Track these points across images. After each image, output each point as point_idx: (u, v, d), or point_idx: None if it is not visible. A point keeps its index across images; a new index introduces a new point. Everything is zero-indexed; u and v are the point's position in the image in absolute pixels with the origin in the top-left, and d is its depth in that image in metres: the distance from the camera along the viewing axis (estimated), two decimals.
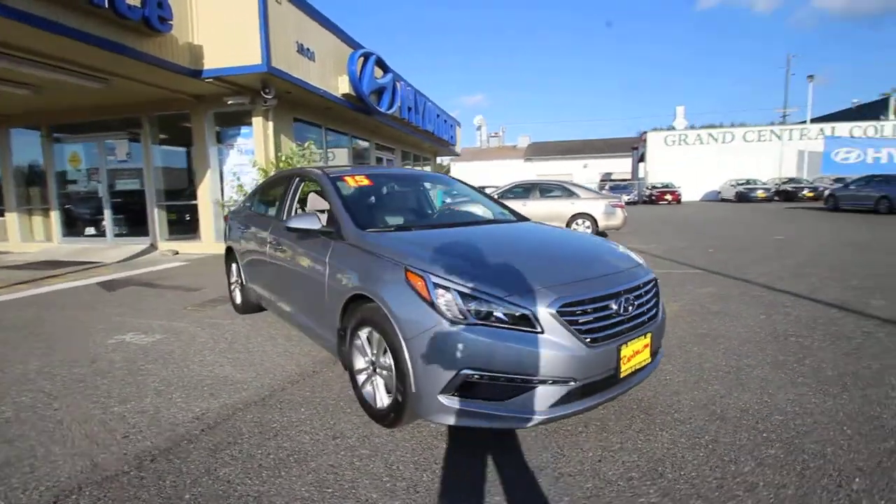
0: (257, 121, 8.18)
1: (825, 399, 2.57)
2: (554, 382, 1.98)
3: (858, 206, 16.34)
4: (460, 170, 40.43)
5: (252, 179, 8.11)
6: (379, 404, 2.41)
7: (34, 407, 2.74)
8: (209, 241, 8.92)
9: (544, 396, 1.99)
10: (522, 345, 1.96)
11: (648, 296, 2.40)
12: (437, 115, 15.51)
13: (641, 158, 33.67)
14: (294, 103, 8.73)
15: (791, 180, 26.21)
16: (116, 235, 9.59)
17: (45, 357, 3.56)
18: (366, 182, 3.43)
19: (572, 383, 2.00)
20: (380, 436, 2.34)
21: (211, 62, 6.94)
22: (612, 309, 2.15)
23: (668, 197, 26.57)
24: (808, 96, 31.66)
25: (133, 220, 9.47)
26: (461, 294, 2.05)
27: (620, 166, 41.84)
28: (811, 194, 23.77)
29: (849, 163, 25.58)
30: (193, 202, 8.97)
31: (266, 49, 6.70)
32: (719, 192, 28.92)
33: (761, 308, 4.44)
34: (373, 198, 3.51)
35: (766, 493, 1.81)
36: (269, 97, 7.49)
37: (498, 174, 38.70)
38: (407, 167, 16.37)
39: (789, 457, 2.04)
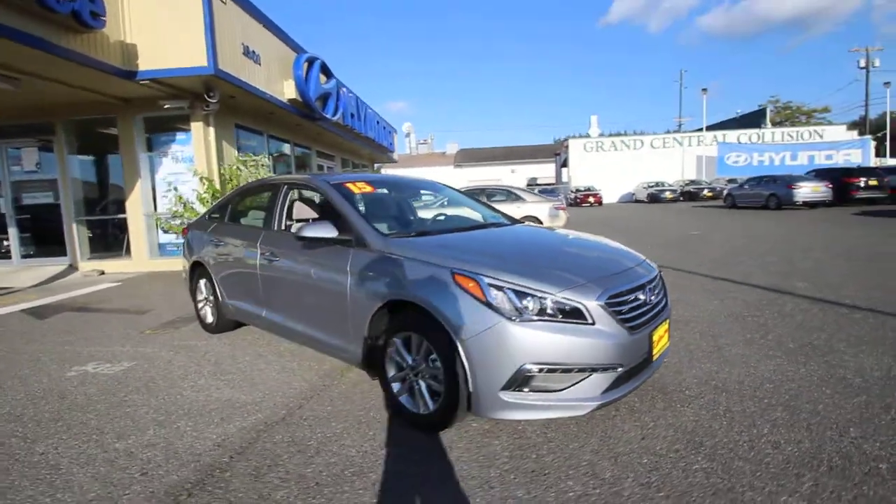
0: (197, 126, 7.61)
1: (798, 367, 2.99)
2: (604, 370, 2.13)
3: (752, 204, 18.75)
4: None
5: (192, 190, 7.52)
6: (422, 410, 2.41)
7: (13, 454, 2.37)
8: (141, 259, 8.10)
9: (597, 383, 2.13)
10: (577, 336, 2.09)
11: (660, 286, 2.65)
12: (377, 122, 15.41)
13: (564, 164, 35.82)
14: (235, 108, 8.25)
15: (692, 182, 29.37)
16: (25, 256, 8.36)
17: None
18: (368, 189, 3.38)
19: (619, 369, 2.16)
20: (426, 440, 2.33)
21: (147, 63, 6.36)
22: (641, 299, 2.36)
23: (591, 199, 28.58)
24: (703, 107, 35.83)
25: (45, 237, 8.32)
26: (515, 292, 2.13)
27: (545, 171, 44.20)
28: (710, 194, 26.82)
29: (739, 165, 29.26)
30: (121, 216, 8.10)
31: (212, 50, 6.28)
32: (633, 194, 31.63)
33: (711, 294, 5.00)
34: (380, 204, 3.47)
35: (790, 448, 2.09)
36: (214, 101, 7.02)
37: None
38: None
39: (793, 417, 2.36)
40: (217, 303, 4.12)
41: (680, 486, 1.88)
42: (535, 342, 2.07)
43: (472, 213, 3.88)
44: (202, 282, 4.37)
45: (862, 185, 16.74)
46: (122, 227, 8.16)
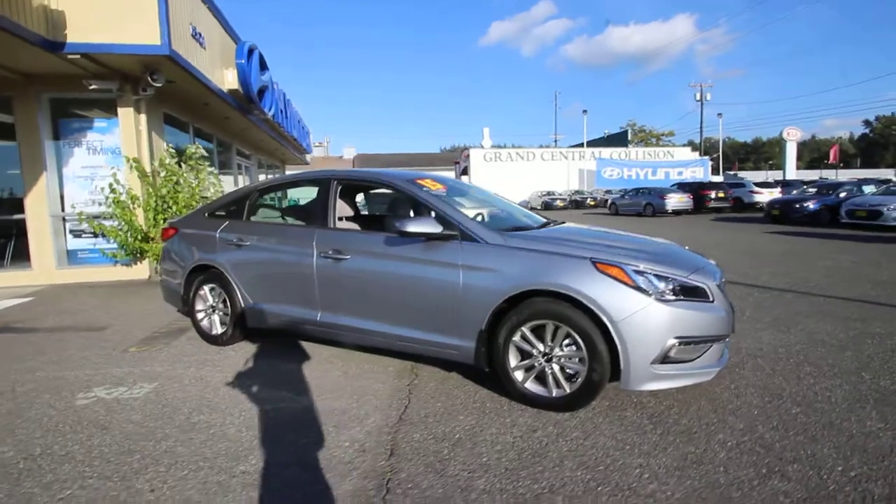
0: (126, 113, 6.53)
1: (788, 336, 3.76)
2: (720, 340, 2.52)
3: (632, 211, 21.74)
4: None
5: (121, 186, 6.42)
6: (555, 393, 2.55)
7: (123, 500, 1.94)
8: (46, 269, 6.65)
9: (715, 352, 2.51)
10: (704, 312, 2.44)
11: None
12: (298, 121, 14.59)
13: (464, 172, 37.36)
14: (167, 96, 7.26)
15: (577, 192, 32.91)
16: None
17: (10, 435, 2.43)
18: (441, 187, 3.38)
19: (727, 339, 2.57)
20: (570, 419, 2.48)
21: (79, 35, 5.31)
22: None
23: None
24: (584, 127, 40.27)
25: None
26: (656, 276, 2.42)
27: None
28: (593, 203, 30.36)
29: (613, 178, 33.58)
30: (18, 216, 6.57)
31: (167, 27, 5.50)
32: (528, 202, 34.28)
33: None
34: (462, 201, 3.46)
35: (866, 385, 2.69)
36: (157, 85, 6.12)
37: None
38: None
39: (836, 361, 3.02)
40: (235, 310, 3.69)
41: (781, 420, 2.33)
42: (677, 319, 2.37)
43: (513, 210, 4.03)
44: (206, 288, 3.87)
45: (713, 196, 20.54)
46: (20, 231, 6.61)
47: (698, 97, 41.05)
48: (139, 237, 6.39)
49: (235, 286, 3.67)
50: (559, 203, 30.82)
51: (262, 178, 15.29)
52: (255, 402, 2.82)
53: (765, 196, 20.22)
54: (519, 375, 2.65)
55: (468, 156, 36.28)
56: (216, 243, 3.81)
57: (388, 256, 3.03)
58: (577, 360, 2.49)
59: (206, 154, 7.32)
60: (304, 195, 4.05)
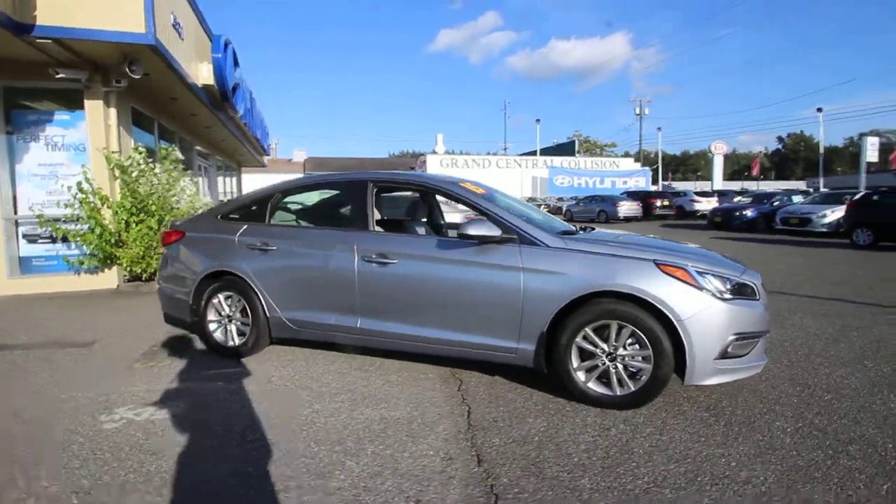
0: (94, 105, 5.97)
1: (786, 331, 4.12)
2: (764, 335, 2.73)
3: (586, 217, 22.75)
4: (249, 182, 36.23)
5: (86, 184, 5.85)
6: (619, 392, 2.64)
7: None
8: None
9: (761, 347, 2.72)
10: (754, 310, 2.64)
11: None
12: (262, 120, 13.98)
13: None
14: (134, 89, 6.72)
15: (531, 199, 33.99)
16: None
17: (42, 466, 2.14)
18: (482, 191, 3.38)
19: (768, 335, 2.79)
20: (641, 415, 2.58)
21: (50, 18, 4.80)
22: None
23: None
24: (537, 135, 41.70)
25: None
26: (715, 277, 2.58)
27: None
28: (547, 209, 31.53)
29: (564, 186, 34.96)
30: None
31: (152, 15, 5.10)
32: None
33: None
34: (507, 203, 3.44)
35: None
36: (136, 76, 5.66)
37: None
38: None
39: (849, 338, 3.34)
40: (257, 320, 3.49)
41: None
42: (735, 316, 2.55)
43: (546, 215, 4.08)
44: (221, 297, 3.63)
45: (659, 204, 21.98)
46: None
47: (638, 111, 43.91)
48: (112, 241, 5.84)
49: (259, 294, 3.47)
50: None
51: (220, 180, 14.49)
52: (309, 415, 2.68)
53: (704, 205, 21.92)
54: (581, 376, 2.72)
55: (424, 161, 36.38)
56: (235, 248, 3.59)
57: (441, 260, 3.00)
58: (640, 358, 2.60)
59: (181, 156, 6.86)
60: (308, 199, 3.91)
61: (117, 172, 6.00)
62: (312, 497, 1.94)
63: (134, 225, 5.96)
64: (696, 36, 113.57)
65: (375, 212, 3.44)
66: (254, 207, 3.78)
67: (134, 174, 6.04)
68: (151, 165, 6.19)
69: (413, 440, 2.40)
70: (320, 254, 3.35)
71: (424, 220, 4.46)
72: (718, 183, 36.62)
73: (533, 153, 41.03)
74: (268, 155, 16.95)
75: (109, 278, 6.25)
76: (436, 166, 35.57)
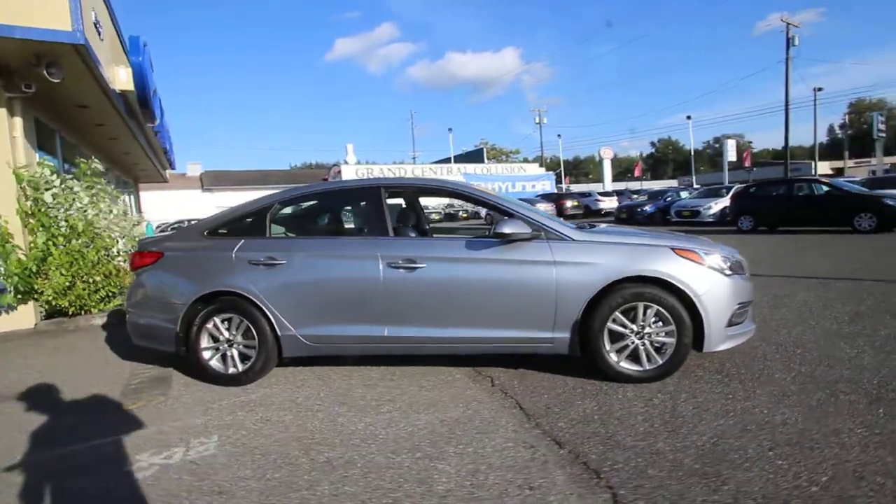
0: None
1: None
2: (751, 304, 3.21)
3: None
4: (149, 200, 32.21)
5: None
6: (647, 366, 2.94)
7: None
8: None
9: (749, 314, 3.19)
10: (745, 282, 3.11)
11: None
12: (168, 131, 12.66)
13: None
14: (37, 96, 5.81)
15: (449, 205, 34.83)
16: None
17: None
18: (492, 191, 3.51)
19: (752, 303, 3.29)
20: (670, 385, 2.88)
21: None
22: None
23: None
24: (450, 144, 43.03)
25: None
26: (720, 257, 2.99)
27: None
28: (465, 215, 32.56)
29: None
30: None
31: (79, 11, 4.47)
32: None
33: None
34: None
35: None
36: (55, 80, 4.89)
37: (180, 205, 33.20)
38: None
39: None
40: (264, 341, 3.25)
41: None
42: (737, 288, 2.98)
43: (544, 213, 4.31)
44: (217, 321, 3.32)
45: (570, 205, 23.86)
46: None
47: (537, 121, 47.30)
48: (31, 272, 4.95)
49: (268, 312, 3.24)
50: (435, 217, 32.18)
51: (124, 197, 12.83)
52: (365, 428, 2.59)
53: (606, 203, 24.31)
54: (614, 356, 2.97)
55: (339, 172, 35.48)
56: (233, 265, 3.31)
57: (472, 260, 3.08)
58: (664, 333, 2.92)
59: (102, 170, 6.05)
60: (307, 210, 3.74)
61: (29, 191, 5.11)
62: (431, 502, 1.91)
63: (54, 250, 5.12)
64: (579, 53, 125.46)
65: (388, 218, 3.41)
66: (247, 220, 3.52)
67: (51, 192, 5.19)
68: (71, 182, 5.38)
69: (485, 436, 2.45)
70: (339, 264, 3.23)
71: (413, 224, 4.47)
72: (608, 184, 40.60)
73: (447, 161, 42.11)
74: (173, 169, 15.34)
75: (24, 317, 5.27)
76: (352, 176, 34.86)
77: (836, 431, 2.25)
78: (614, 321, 2.94)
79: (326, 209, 3.72)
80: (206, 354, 3.35)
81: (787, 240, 10.21)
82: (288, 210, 3.65)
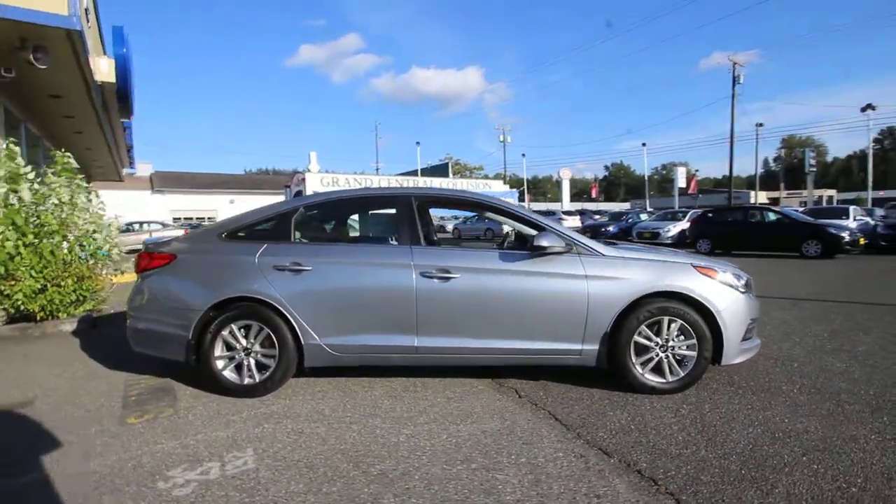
0: None
1: None
2: (757, 321, 3.45)
3: (473, 235, 24.31)
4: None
5: None
6: (670, 378, 3.08)
7: None
8: None
9: (755, 330, 3.42)
10: (755, 299, 3.34)
11: None
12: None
13: (297, 196, 35.57)
14: (14, 83, 5.40)
15: (441, 217, 34.85)
16: None
17: None
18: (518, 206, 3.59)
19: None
20: (691, 396, 3.03)
21: None
22: None
23: None
24: (417, 157, 43.20)
25: None
26: (734, 275, 3.20)
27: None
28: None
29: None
30: None
31: None
32: None
33: None
34: None
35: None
36: (42, 66, 4.55)
37: (129, 206, 31.19)
38: None
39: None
40: (286, 350, 3.13)
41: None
42: (749, 305, 3.20)
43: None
44: (234, 328, 3.18)
45: None
46: None
47: (501, 139, 48.56)
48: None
49: (292, 320, 3.13)
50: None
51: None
52: (407, 440, 2.55)
53: (569, 222, 25.15)
54: (639, 369, 3.09)
55: (303, 179, 34.46)
56: (256, 270, 3.18)
57: (506, 272, 3.13)
58: (685, 347, 3.08)
59: (76, 165, 5.64)
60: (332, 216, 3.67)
61: (2, 184, 4.68)
62: (510, 499, 1.91)
63: (23, 249, 4.70)
64: (539, 77, 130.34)
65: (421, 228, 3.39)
66: (269, 224, 3.40)
67: (27, 186, 4.78)
68: (51, 177, 4.98)
69: (532, 446, 2.47)
70: (370, 272, 3.18)
71: (425, 236, 4.47)
72: (567, 204, 42.07)
73: (413, 173, 42.23)
74: (133, 168, 14.47)
75: None
76: (316, 184, 34.16)
77: (854, 438, 2.45)
78: (640, 334, 3.07)
79: (353, 216, 3.66)
80: (220, 364, 3.19)
81: (744, 262, 10.87)
82: (313, 215, 3.56)
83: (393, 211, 3.75)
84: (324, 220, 3.68)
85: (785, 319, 5.11)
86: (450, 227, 30.46)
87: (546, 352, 3.14)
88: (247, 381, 3.19)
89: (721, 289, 3.11)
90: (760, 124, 34.41)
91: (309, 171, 42.94)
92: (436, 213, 35.80)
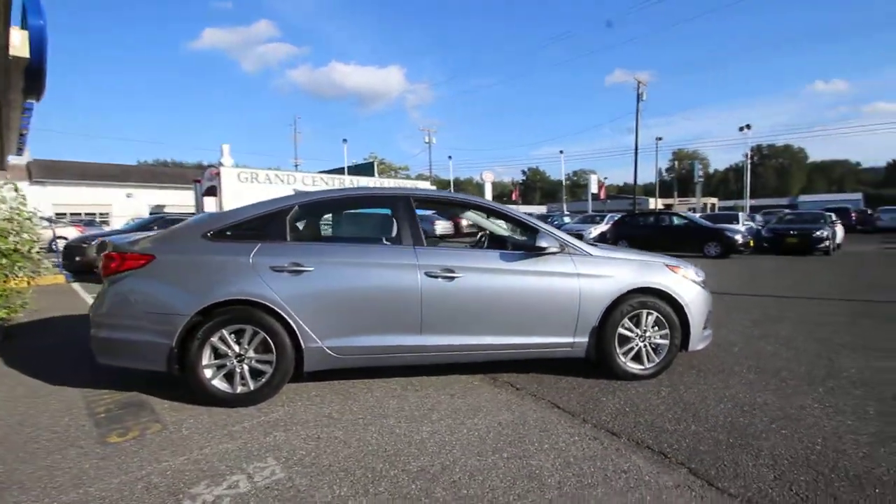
0: None
1: None
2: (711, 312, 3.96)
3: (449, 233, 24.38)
4: None
5: None
6: (648, 365, 3.45)
7: None
8: None
9: (710, 321, 3.93)
10: (709, 294, 3.82)
11: None
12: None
13: (210, 192, 32.87)
14: None
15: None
16: None
17: None
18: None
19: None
20: (666, 382, 3.40)
21: None
22: None
23: None
24: (344, 154, 41.83)
25: None
26: (694, 272, 3.66)
27: (177, 198, 38.53)
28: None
29: None
30: None
31: None
32: None
33: None
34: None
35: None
36: None
37: None
38: None
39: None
40: (283, 355, 3.01)
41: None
42: (708, 297, 3.68)
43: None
44: (225, 333, 2.98)
45: (465, 224, 25.15)
46: None
47: (427, 140, 49.09)
48: None
49: (291, 323, 3.01)
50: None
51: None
52: (429, 437, 2.60)
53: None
54: (622, 357, 3.42)
55: (218, 174, 31.92)
56: (251, 271, 3.01)
57: (506, 272, 3.28)
58: (659, 336, 3.46)
59: None
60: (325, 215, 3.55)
61: None
62: (553, 493, 2.05)
63: None
64: (461, 81, 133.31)
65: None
66: (261, 223, 3.22)
67: None
68: None
69: (549, 433, 2.65)
70: (374, 272, 3.15)
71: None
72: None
73: (340, 171, 41.04)
74: (20, 154, 12.45)
75: None
76: (233, 179, 31.77)
77: (802, 406, 2.96)
78: (623, 326, 3.39)
79: (350, 215, 3.57)
80: (208, 373, 2.97)
81: None
82: (309, 214, 3.43)
83: (386, 211, 3.75)
84: (320, 219, 3.56)
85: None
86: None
87: (542, 345, 3.34)
88: (240, 389, 3.00)
89: (687, 284, 3.54)
90: (660, 138, 38.57)
91: (222, 164, 40.07)
92: None
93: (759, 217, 21.08)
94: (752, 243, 12.57)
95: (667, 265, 3.57)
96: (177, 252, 3.06)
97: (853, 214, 24.59)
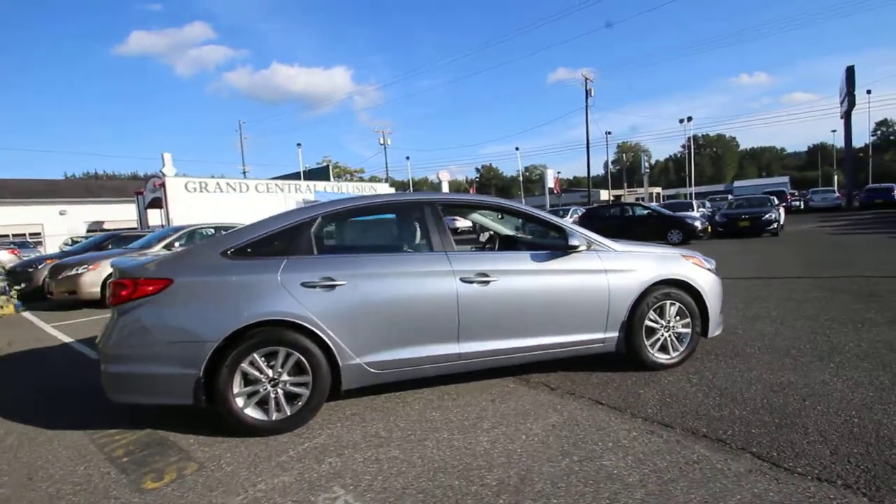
0: None
1: None
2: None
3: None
4: None
5: None
6: (673, 353, 3.55)
7: None
8: None
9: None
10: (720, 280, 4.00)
11: None
12: None
13: (154, 204, 30.91)
14: None
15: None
16: None
17: None
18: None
19: None
20: (689, 370, 3.52)
21: None
22: None
23: None
24: (300, 159, 40.75)
25: None
26: (707, 261, 3.81)
27: (116, 213, 35.93)
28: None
29: None
30: None
31: None
32: None
33: None
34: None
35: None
36: None
37: None
38: None
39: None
40: (319, 375, 2.86)
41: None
42: (721, 284, 3.83)
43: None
44: (257, 357, 2.79)
45: None
46: None
47: (382, 142, 48.57)
48: None
49: (327, 341, 2.86)
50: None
51: None
52: (490, 449, 2.55)
53: (461, 222, 26.34)
54: (650, 349, 3.50)
55: (162, 185, 30.02)
56: (281, 289, 2.83)
57: (538, 272, 3.28)
58: (681, 325, 3.58)
59: None
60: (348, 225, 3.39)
61: None
62: (639, 493, 2.06)
63: None
64: (409, 82, 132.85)
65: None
66: (285, 237, 3.03)
67: None
68: None
69: (606, 431, 2.66)
70: (410, 282, 3.05)
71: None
72: None
73: (295, 176, 39.80)
74: None
75: None
76: (180, 190, 30.00)
77: (825, 382, 3.15)
78: (649, 318, 3.48)
79: (377, 224, 3.42)
80: (240, 401, 2.77)
81: None
82: (334, 225, 3.26)
83: (393, 216, 3.65)
84: (345, 230, 3.39)
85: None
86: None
87: (576, 343, 3.37)
88: (275, 416, 2.82)
89: (703, 273, 3.69)
90: (609, 132, 40.01)
91: (164, 174, 37.85)
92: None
93: (707, 203, 22.44)
94: (710, 229, 13.36)
95: (683, 255, 3.70)
96: (197, 273, 2.82)
97: (788, 197, 26.74)
